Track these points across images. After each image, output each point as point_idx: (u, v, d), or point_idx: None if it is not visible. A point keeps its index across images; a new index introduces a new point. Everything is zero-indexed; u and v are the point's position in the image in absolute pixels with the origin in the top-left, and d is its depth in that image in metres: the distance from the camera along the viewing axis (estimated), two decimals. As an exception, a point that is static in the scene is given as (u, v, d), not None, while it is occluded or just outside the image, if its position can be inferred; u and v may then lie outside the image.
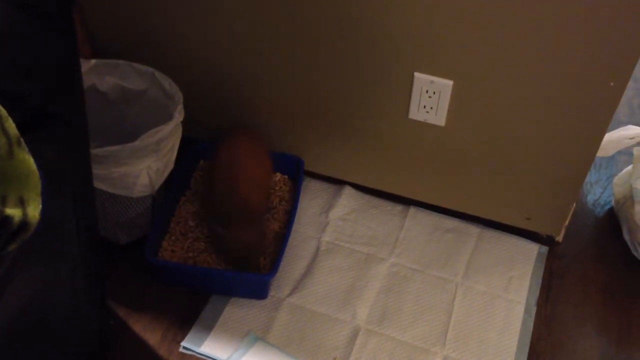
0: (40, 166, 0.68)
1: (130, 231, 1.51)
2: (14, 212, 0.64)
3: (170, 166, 1.46)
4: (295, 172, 1.65)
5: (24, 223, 0.66)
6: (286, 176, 1.69)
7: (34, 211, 0.66)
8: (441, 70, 1.34)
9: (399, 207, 1.68)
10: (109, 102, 1.54)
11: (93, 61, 1.50)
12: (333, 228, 1.62)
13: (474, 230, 1.63)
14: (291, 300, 1.47)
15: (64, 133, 0.81)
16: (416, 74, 1.36)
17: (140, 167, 1.37)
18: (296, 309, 1.46)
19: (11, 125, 0.67)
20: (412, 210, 1.67)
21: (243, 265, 1.44)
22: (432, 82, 1.36)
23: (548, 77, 1.28)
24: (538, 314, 1.49)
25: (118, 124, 1.53)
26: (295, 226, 1.60)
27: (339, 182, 1.70)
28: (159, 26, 1.52)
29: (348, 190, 1.69)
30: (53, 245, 0.85)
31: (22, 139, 0.68)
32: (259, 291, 1.44)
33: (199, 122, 1.58)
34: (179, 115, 1.41)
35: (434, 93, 1.37)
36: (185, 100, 1.46)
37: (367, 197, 1.70)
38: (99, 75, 1.51)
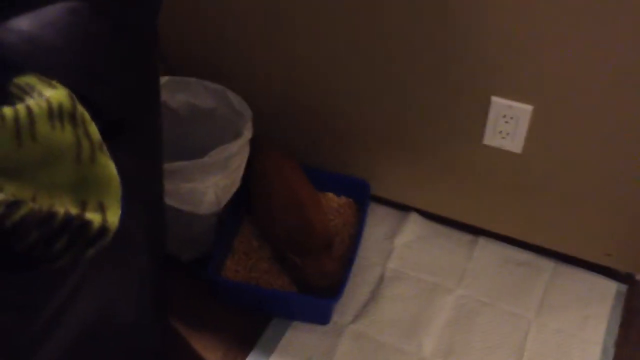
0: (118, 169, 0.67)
1: (193, 249, 1.50)
2: (93, 217, 0.63)
3: (237, 184, 1.44)
4: (361, 195, 1.61)
5: (103, 229, 0.64)
6: (351, 199, 1.65)
7: (114, 217, 0.64)
8: (520, 94, 1.29)
9: (467, 237, 1.61)
10: (179, 118, 1.54)
11: (165, 78, 1.50)
12: (398, 255, 1.57)
13: (547, 264, 1.55)
14: (354, 327, 1.42)
15: (140, 143, 0.80)
16: (493, 98, 1.31)
17: (207, 184, 1.35)
18: (359, 336, 1.41)
19: (94, 130, 0.65)
20: (482, 240, 1.60)
21: (325, 294, 1.40)
22: (510, 107, 1.31)
23: (637, 103, 1.21)
24: (617, 356, 1.39)
25: (187, 140, 1.53)
26: (359, 251, 1.56)
27: (405, 208, 1.65)
28: (230, 44, 1.52)
29: (414, 217, 1.64)
30: (123, 255, 0.83)
31: (104, 145, 0.67)
32: (322, 316, 1.40)
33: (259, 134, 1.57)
34: (247, 133, 1.40)
35: (512, 118, 1.32)
36: (254, 119, 1.45)
37: (434, 225, 1.64)
38: (170, 92, 1.52)
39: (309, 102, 1.55)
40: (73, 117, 0.64)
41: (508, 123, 1.33)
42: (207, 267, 1.40)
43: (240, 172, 1.43)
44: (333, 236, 1.50)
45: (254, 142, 1.45)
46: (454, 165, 1.50)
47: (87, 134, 0.64)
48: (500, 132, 1.36)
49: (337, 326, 1.42)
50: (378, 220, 1.65)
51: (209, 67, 1.55)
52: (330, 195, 1.66)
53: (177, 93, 1.52)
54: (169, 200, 1.35)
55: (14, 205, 0.57)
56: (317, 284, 1.38)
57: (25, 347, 0.68)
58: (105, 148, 0.65)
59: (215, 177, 1.36)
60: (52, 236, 0.59)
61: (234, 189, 1.43)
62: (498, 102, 1.31)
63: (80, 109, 0.65)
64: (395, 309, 1.46)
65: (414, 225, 1.63)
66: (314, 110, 1.57)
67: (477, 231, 1.61)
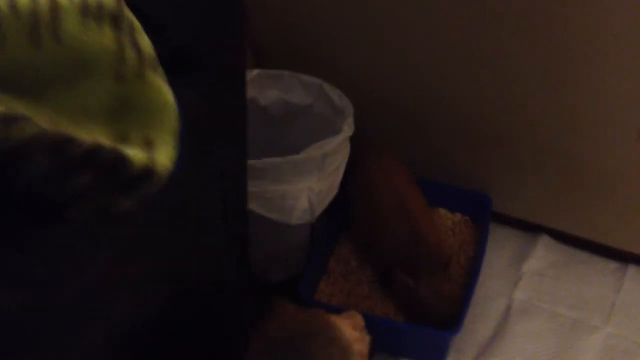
0: (180, 108, 0.46)
1: (283, 267, 1.29)
2: (135, 153, 0.43)
3: (335, 191, 1.22)
4: (480, 212, 1.35)
5: (148, 170, 0.43)
6: (468, 217, 1.39)
7: (165, 157, 0.44)
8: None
9: (613, 265, 1.32)
10: (270, 118, 1.35)
11: (255, 72, 1.32)
12: (528, 284, 1.30)
13: None
14: (476, 369, 1.15)
15: (216, 85, 0.59)
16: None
17: (301, 187, 1.14)
18: (483, 381, 1.14)
19: (146, 42, 0.46)
20: (633, 269, 1.30)
21: (441, 321, 1.15)
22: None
23: None
24: None
25: (279, 142, 1.33)
26: (479, 279, 1.29)
27: (532, 228, 1.38)
28: (330, 34, 1.32)
29: (545, 240, 1.37)
30: (191, 224, 0.62)
31: (159, 66, 0.46)
32: (437, 352, 1.15)
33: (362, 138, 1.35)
34: (348, 129, 1.18)
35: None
36: (356, 117, 1.23)
37: (570, 250, 1.36)
38: (260, 88, 1.33)
39: (420, 101, 1.32)
40: (117, 20, 0.44)
41: (679, 113, 1.05)
42: (299, 290, 1.18)
43: (338, 177, 1.21)
44: (450, 253, 1.24)
45: (355, 144, 1.23)
46: (596, 173, 1.22)
47: (135, 43, 0.44)
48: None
49: (455, 367, 1.16)
50: (500, 243, 1.39)
51: (304, 59, 1.36)
52: (443, 211, 1.41)
53: (267, 89, 1.33)
54: (254, 206, 1.15)
55: (15, 121, 0.37)
56: (433, 311, 1.13)
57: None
58: (160, 68, 0.45)
59: (309, 179, 1.14)
60: (70, 169, 0.39)
61: (331, 197, 1.21)
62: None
63: (129, 13, 0.45)
64: (528, 348, 1.19)
65: (546, 250, 1.36)
66: (426, 111, 1.33)
67: (625, 257, 1.31)
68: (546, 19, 1.09)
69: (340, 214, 1.29)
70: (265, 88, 1.33)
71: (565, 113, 1.19)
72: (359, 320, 0.86)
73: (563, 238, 1.37)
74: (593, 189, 1.25)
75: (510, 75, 1.19)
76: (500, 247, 1.38)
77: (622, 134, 1.14)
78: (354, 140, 1.22)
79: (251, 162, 1.09)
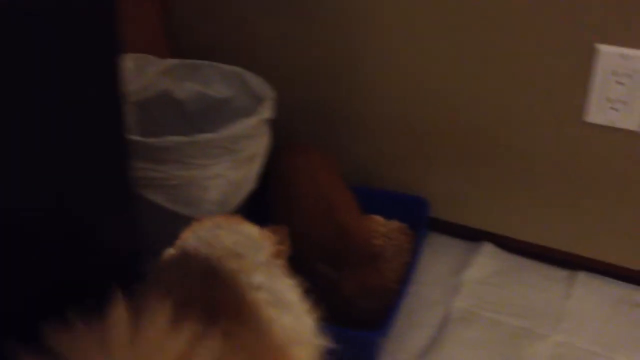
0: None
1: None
2: None
3: (251, 182, 1.10)
4: (418, 218, 1.24)
5: None
6: (405, 224, 1.28)
7: None
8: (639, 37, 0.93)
9: (562, 272, 1.22)
10: (186, 113, 1.23)
11: (170, 61, 1.21)
12: (468, 292, 1.18)
13: (678, 307, 1.12)
14: (408, 380, 1.01)
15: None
16: (600, 47, 0.95)
17: (210, 174, 1.02)
18: (415, 392, 1.00)
19: None
20: (583, 276, 1.19)
21: (367, 319, 1.02)
22: (624, 56, 0.94)
23: None
24: None
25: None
26: (415, 287, 1.18)
27: (476, 235, 1.27)
28: (252, 23, 1.23)
29: (489, 247, 1.27)
30: None
31: None
32: (365, 357, 1.00)
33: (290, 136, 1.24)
34: (265, 113, 1.07)
35: (628, 77, 0.95)
36: (279, 107, 1.12)
37: (515, 257, 1.25)
38: (176, 79, 1.22)
39: (351, 100, 1.23)
40: None
41: (623, 85, 0.96)
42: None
43: (254, 167, 1.10)
44: (378, 248, 1.12)
45: (280, 143, 1.13)
46: (541, 166, 1.12)
47: None
48: (610, 101, 0.98)
49: (384, 378, 1.02)
50: (441, 251, 1.29)
51: (226, 48, 1.26)
52: (377, 218, 1.29)
53: (185, 81, 1.22)
54: (157, 197, 1.02)
55: None
56: (357, 304, 1.00)
57: None
58: None
59: (221, 164, 1.02)
60: None
61: (246, 188, 1.09)
62: (607, 52, 0.95)
63: None
64: (465, 357, 1.05)
65: (489, 258, 1.26)
66: (358, 111, 1.24)
67: (575, 264, 1.20)
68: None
69: (259, 210, 1.16)
70: (182, 80, 1.23)
71: (505, 112, 1.10)
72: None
73: (509, 244, 1.26)
74: (536, 182, 1.15)
75: (450, 73, 1.10)
76: (441, 254, 1.27)
77: (565, 103, 1.04)
78: (278, 139, 1.12)
79: (150, 140, 0.97)
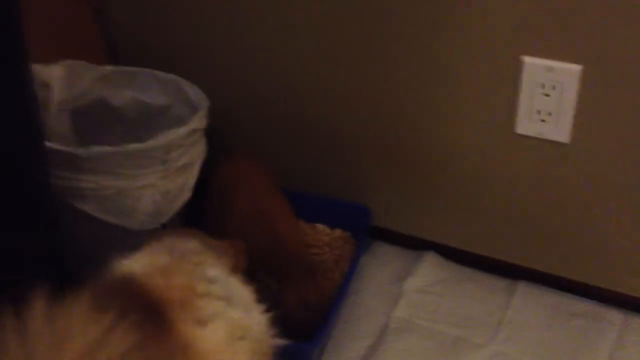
0: None
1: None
2: None
3: (185, 194, 1.09)
4: (360, 226, 1.23)
5: None
6: (348, 233, 1.27)
7: None
8: (563, 50, 0.93)
9: (503, 282, 1.22)
10: (123, 121, 1.21)
11: (107, 68, 1.19)
12: (408, 302, 1.18)
13: (615, 316, 1.14)
14: (341, 391, 1.01)
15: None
16: (526, 59, 0.96)
17: (141, 184, 1.00)
18: (348, 404, 0.99)
19: None
20: (522, 286, 1.20)
21: (306, 331, 1.01)
22: (550, 69, 0.94)
23: None
24: None
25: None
26: (356, 296, 1.19)
27: (420, 245, 1.27)
28: (191, 31, 1.22)
29: (431, 256, 1.26)
30: None
31: None
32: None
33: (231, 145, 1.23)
34: (197, 122, 1.06)
35: (554, 88, 0.96)
36: (218, 123, 1.11)
37: (457, 267, 1.25)
38: (113, 86, 1.20)
39: (290, 105, 1.22)
40: None
41: (549, 97, 0.97)
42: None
43: (190, 177, 1.08)
44: (314, 260, 1.12)
45: (216, 149, 1.11)
46: (478, 177, 1.12)
47: None
48: (539, 112, 0.99)
49: (318, 389, 1.01)
50: (383, 260, 1.28)
51: (162, 58, 1.25)
52: (321, 227, 1.29)
53: (122, 88, 1.21)
54: (89, 208, 1.00)
55: None
56: (296, 318, 0.99)
57: None
58: None
59: (152, 174, 1.01)
60: None
61: (181, 199, 1.08)
62: (533, 65, 0.95)
63: None
64: (401, 367, 1.05)
65: (431, 267, 1.25)
66: (298, 117, 1.23)
67: (515, 273, 1.20)
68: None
69: (194, 221, 1.15)
70: (118, 87, 1.21)
71: (440, 126, 1.10)
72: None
73: (452, 254, 1.26)
74: (477, 192, 1.15)
75: (384, 85, 1.10)
76: (383, 263, 1.27)
77: (496, 116, 1.04)
78: (216, 148, 1.11)
79: (78, 150, 0.96)
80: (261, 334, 0.78)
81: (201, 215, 1.14)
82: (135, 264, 0.77)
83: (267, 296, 1.03)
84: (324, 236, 1.28)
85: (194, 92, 1.15)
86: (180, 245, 0.81)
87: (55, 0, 1.19)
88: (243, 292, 0.80)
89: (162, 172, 1.02)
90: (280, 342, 0.83)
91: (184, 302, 0.71)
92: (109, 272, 0.77)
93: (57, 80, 1.13)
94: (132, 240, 1.04)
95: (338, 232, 1.28)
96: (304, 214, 1.27)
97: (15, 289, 0.59)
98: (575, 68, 0.93)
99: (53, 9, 1.19)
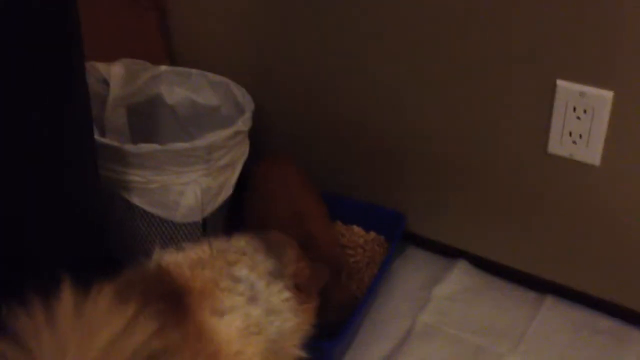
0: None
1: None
2: None
3: (228, 191, 1.15)
4: (394, 230, 1.27)
5: None
6: (382, 236, 1.31)
7: None
8: (596, 75, 0.95)
9: (531, 294, 1.23)
10: (176, 118, 1.29)
11: (163, 67, 1.27)
12: (436, 308, 1.21)
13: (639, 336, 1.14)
14: (361, 390, 1.06)
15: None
16: (559, 83, 0.98)
17: (185, 180, 1.07)
18: (366, 403, 1.04)
19: None
20: (550, 299, 1.21)
21: (328, 329, 1.06)
22: (582, 94, 0.96)
23: None
24: None
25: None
26: (385, 298, 1.23)
27: (452, 252, 1.30)
28: (239, 35, 1.28)
29: (463, 264, 1.29)
30: None
31: None
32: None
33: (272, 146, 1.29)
34: (242, 124, 1.12)
35: (585, 112, 0.97)
36: (260, 124, 1.17)
37: (488, 276, 1.27)
38: (168, 85, 1.28)
39: (333, 113, 1.27)
40: None
41: (580, 120, 0.99)
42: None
43: (232, 176, 1.15)
44: (344, 261, 1.16)
45: (261, 150, 1.17)
46: (511, 193, 1.15)
47: None
48: (570, 133, 1.01)
49: (339, 386, 1.06)
50: (416, 265, 1.31)
51: (218, 58, 1.31)
52: (357, 229, 1.33)
53: (176, 87, 1.28)
54: (136, 199, 1.08)
55: None
56: (321, 319, 1.04)
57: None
58: None
59: (195, 171, 1.08)
60: None
61: (223, 196, 1.14)
62: (566, 88, 0.97)
63: None
64: (421, 371, 1.09)
65: (461, 275, 1.28)
66: (340, 124, 1.28)
67: (545, 287, 1.22)
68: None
69: (236, 217, 1.22)
70: (173, 85, 1.28)
71: (475, 142, 1.13)
72: None
73: (483, 264, 1.28)
74: (514, 212, 1.17)
75: (428, 102, 1.14)
76: (415, 269, 1.30)
77: (529, 134, 1.06)
78: (261, 149, 1.17)
79: (126, 146, 1.03)
80: (282, 339, 0.83)
81: (242, 211, 1.21)
82: (171, 256, 0.83)
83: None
84: (359, 238, 1.32)
85: (241, 94, 1.21)
86: (230, 244, 0.87)
87: (120, 1, 1.28)
88: (275, 298, 0.84)
89: (205, 170, 1.08)
90: (301, 353, 0.87)
91: (205, 292, 0.77)
92: (149, 262, 0.85)
93: (116, 77, 1.21)
94: (179, 231, 1.13)
95: (372, 235, 1.33)
96: (341, 216, 1.32)
97: (46, 281, 0.66)
98: (607, 94, 0.95)
99: (118, 9, 1.27)
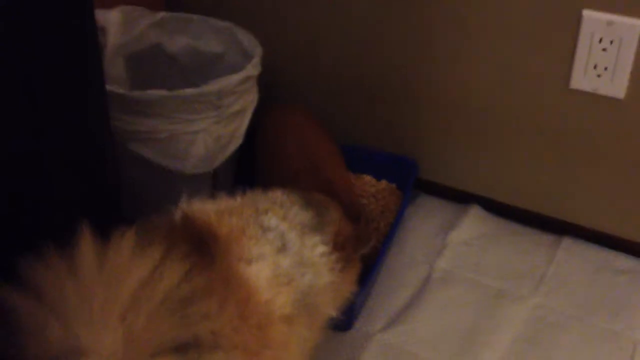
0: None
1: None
2: None
3: (238, 139, 1.11)
4: (407, 179, 1.24)
5: None
6: (394, 185, 1.28)
7: None
8: (624, 3, 0.91)
9: (547, 237, 1.22)
10: (177, 68, 1.23)
11: (161, 14, 1.21)
12: (452, 253, 1.19)
13: (660, 274, 1.13)
14: (384, 337, 1.04)
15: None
16: (585, 13, 0.94)
17: (195, 129, 1.03)
18: (390, 349, 1.03)
19: None
20: (567, 240, 1.20)
21: None
22: (609, 23, 0.93)
23: None
24: None
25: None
26: (400, 246, 1.20)
27: (465, 197, 1.27)
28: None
29: (476, 210, 1.26)
30: None
31: None
32: (344, 314, 1.02)
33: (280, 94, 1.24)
34: (251, 68, 1.07)
35: (611, 43, 0.94)
36: (268, 72, 1.12)
37: (502, 221, 1.25)
38: (168, 32, 1.22)
39: (341, 58, 1.22)
40: None
41: (606, 51, 0.95)
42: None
43: (241, 123, 1.10)
44: (362, 208, 1.13)
45: (269, 103, 1.13)
46: (528, 131, 1.12)
47: None
48: (595, 66, 0.97)
49: (362, 334, 1.05)
50: (429, 212, 1.29)
51: (216, 4, 1.26)
52: (368, 178, 1.30)
53: (177, 35, 1.22)
54: (144, 150, 1.03)
55: None
56: None
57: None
58: None
59: (205, 119, 1.03)
60: None
61: (233, 145, 1.10)
62: (592, 18, 0.94)
63: None
64: (444, 317, 1.08)
65: (476, 220, 1.26)
66: (349, 69, 1.24)
67: (560, 229, 1.20)
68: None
69: (245, 168, 1.18)
70: (173, 33, 1.22)
71: (492, 79, 1.09)
72: None
73: (497, 208, 1.26)
74: (524, 145, 1.15)
75: (437, 34, 1.09)
76: (429, 215, 1.28)
77: (551, 69, 1.03)
78: (268, 96, 1.12)
79: (134, 93, 0.98)
80: (313, 294, 0.79)
81: (252, 161, 1.17)
82: (198, 204, 0.79)
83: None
84: (370, 187, 1.29)
85: (247, 40, 1.16)
86: (265, 195, 0.84)
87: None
88: (308, 251, 0.81)
89: (215, 117, 1.04)
90: (333, 313, 0.84)
91: (231, 239, 0.74)
92: (164, 212, 0.80)
93: (113, 25, 1.15)
94: (188, 182, 1.08)
95: (384, 183, 1.30)
96: (351, 166, 1.28)
97: (66, 231, 0.62)
98: (637, 22, 0.91)
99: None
